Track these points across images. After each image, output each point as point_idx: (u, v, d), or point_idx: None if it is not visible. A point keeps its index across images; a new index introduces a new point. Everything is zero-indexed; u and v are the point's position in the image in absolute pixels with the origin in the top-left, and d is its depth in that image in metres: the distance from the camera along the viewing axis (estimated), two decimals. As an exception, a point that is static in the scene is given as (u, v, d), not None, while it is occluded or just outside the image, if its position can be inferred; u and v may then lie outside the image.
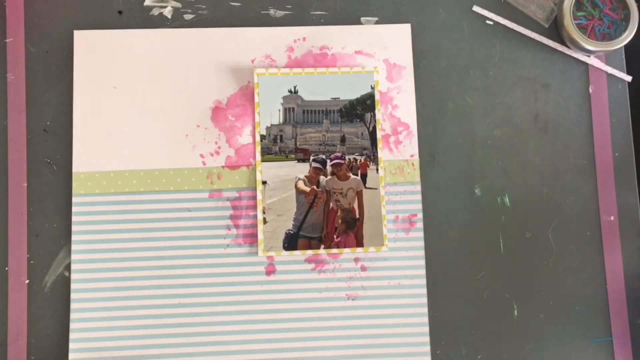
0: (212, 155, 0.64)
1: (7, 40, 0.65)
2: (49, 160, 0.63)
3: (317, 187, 0.63)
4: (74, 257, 0.61)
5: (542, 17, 0.68)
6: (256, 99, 0.64)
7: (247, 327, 0.61)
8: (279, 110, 0.65)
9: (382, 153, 0.64)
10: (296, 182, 0.64)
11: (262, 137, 0.64)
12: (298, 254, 0.63)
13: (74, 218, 0.62)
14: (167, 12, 0.66)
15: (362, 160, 0.64)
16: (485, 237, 0.65)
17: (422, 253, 0.63)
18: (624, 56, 0.68)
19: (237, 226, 0.63)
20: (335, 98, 0.65)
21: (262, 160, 0.64)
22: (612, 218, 0.65)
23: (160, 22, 0.66)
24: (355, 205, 0.63)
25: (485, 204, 0.65)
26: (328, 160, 0.64)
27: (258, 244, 0.62)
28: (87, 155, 0.63)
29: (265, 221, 0.62)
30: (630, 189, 0.66)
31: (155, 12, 0.66)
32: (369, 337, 0.62)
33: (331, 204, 0.63)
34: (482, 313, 0.63)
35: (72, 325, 0.60)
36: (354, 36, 0.66)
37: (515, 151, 0.66)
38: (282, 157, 0.64)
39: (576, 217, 0.65)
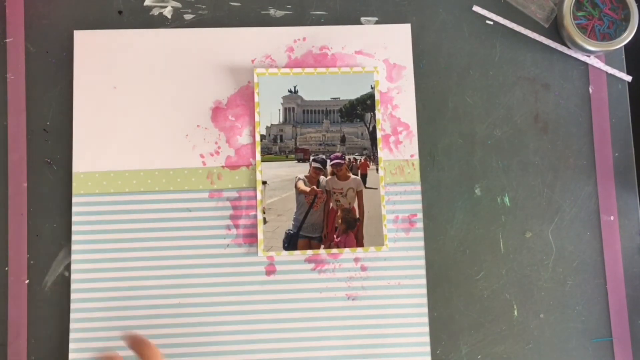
0: (212, 155, 0.64)
1: (7, 40, 0.65)
2: (49, 160, 0.63)
3: (317, 187, 0.63)
4: (74, 257, 0.61)
5: (542, 17, 0.68)
6: (256, 99, 0.64)
7: (247, 327, 0.61)
8: (279, 110, 0.65)
9: (382, 153, 0.64)
10: (296, 182, 0.63)
11: (262, 137, 0.64)
12: (298, 254, 0.62)
13: (74, 218, 0.62)
14: (167, 12, 0.66)
15: (362, 160, 0.64)
16: (485, 237, 0.65)
17: (422, 253, 0.63)
18: (624, 56, 0.68)
19: (237, 226, 0.63)
20: (335, 98, 0.65)
21: (262, 160, 0.64)
22: (612, 218, 0.65)
23: (160, 22, 0.66)
24: (356, 205, 0.63)
25: (485, 204, 0.65)
26: (328, 160, 0.64)
27: (258, 244, 0.62)
28: (87, 155, 0.63)
29: (265, 221, 0.62)
30: (630, 189, 0.66)
31: (155, 12, 0.66)
32: (369, 337, 0.62)
33: (331, 204, 0.63)
34: (482, 313, 0.63)
35: (72, 325, 0.60)
36: (354, 36, 0.66)
37: (515, 151, 0.66)
38: (282, 157, 0.64)
39: (576, 217, 0.65)
